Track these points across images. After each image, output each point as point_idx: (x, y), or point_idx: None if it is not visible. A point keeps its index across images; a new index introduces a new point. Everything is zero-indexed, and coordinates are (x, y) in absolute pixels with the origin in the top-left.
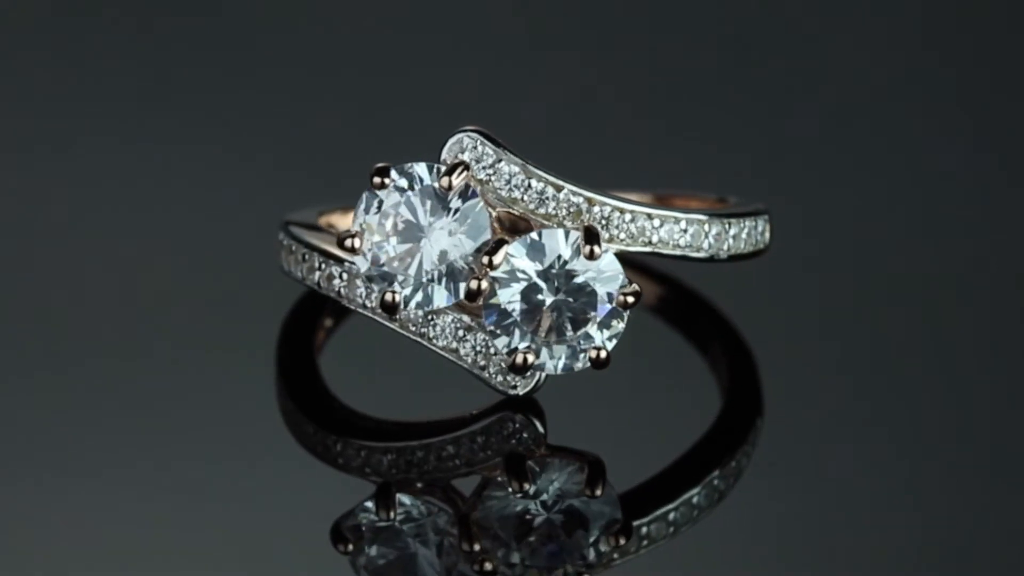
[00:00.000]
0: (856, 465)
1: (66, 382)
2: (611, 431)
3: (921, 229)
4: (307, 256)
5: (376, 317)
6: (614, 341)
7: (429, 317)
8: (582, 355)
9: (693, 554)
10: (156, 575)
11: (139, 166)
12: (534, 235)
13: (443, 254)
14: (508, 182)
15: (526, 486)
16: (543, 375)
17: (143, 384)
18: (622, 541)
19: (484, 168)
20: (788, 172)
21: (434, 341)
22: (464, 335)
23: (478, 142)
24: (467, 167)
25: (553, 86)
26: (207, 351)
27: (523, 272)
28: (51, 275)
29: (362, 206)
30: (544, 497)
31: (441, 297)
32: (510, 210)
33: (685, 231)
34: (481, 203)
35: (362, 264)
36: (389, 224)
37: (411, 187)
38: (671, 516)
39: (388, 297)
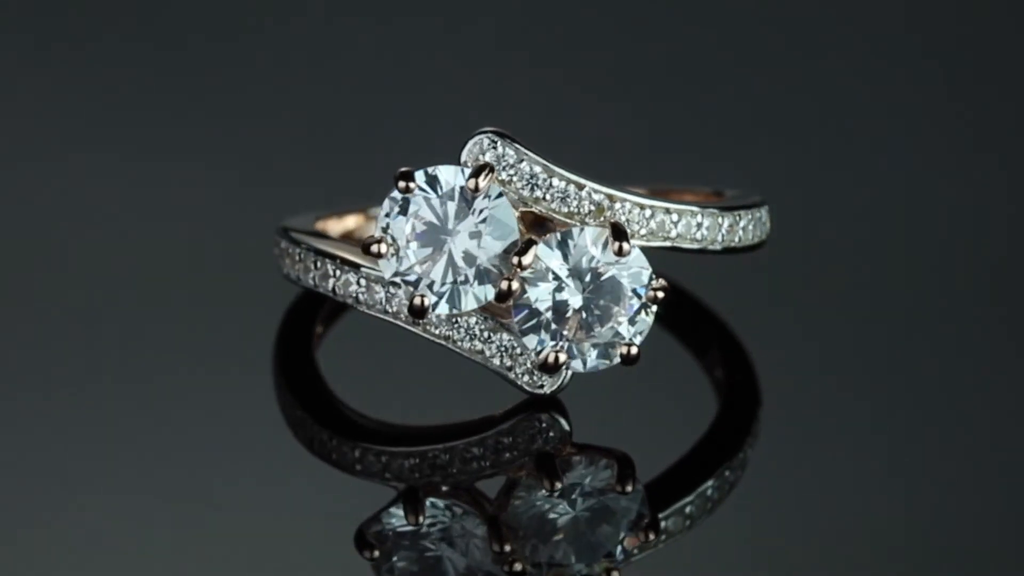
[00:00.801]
0: (853, 455)
1: (66, 380)
2: (611, 431)
3: (921, 229)
4: (319, 263)
5: (397, 322)
6: (641, 336)
7: (453, 319)
8: (612, 352)
9: (706, 548)
10: None
11: (139, 166)
12: (562, 234)
13: (469, 256)
14: (530, 182)
15: (558, 485)
16: (569, 374)
17: (144, 384)
18: (651, 536)
19: (506, 168)
20: (773, 169)
21: (459, 343)
22: (490, 336)
23: (499, 143)
24: (492, 169)
25: (537, 83)
26: (205, 362)
27: (552, 271)
28: (51, 277)
29: (385, 211)
30: (574, 495)
31: (471, 299)
32: (531, 209)
33: (701, 225)
34: (507, 204)
35: (388, 269)
36: (410, 228)
37: (435, 190)
38: (687, 509)
39: (417, 301)
